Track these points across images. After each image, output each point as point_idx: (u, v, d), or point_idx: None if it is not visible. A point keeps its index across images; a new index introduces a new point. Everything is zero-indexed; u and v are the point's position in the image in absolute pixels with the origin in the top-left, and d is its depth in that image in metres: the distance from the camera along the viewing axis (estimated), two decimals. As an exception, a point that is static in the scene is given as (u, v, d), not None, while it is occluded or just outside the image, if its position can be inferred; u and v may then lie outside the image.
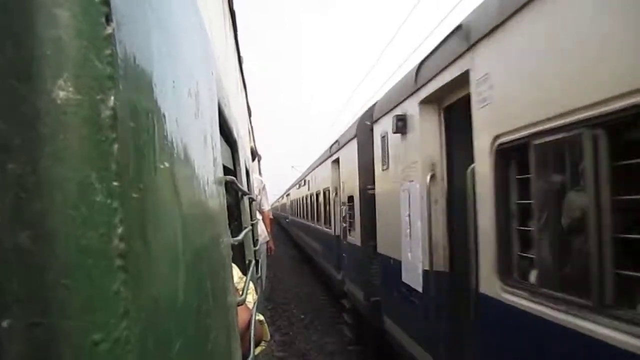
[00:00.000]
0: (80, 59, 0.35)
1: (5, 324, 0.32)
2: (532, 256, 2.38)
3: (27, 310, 0.32)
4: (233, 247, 1.36)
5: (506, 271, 2.58)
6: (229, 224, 1.28)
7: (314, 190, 12.74)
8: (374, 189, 5.84)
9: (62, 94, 0.34)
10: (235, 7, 2.83)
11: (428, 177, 3.75)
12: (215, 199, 0.93)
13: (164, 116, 0.51)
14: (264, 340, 1.86)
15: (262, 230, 6.43)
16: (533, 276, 2.36)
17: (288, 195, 26.08)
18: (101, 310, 0.34)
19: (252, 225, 2.57)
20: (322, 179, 10.68)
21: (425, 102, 3.89)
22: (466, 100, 3.06)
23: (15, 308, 0.32)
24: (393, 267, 4.87)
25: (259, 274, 3.06)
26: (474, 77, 2.90)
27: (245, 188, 2.32)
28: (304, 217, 16.04)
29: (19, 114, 0.33)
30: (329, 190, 9.63)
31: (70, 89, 0.34)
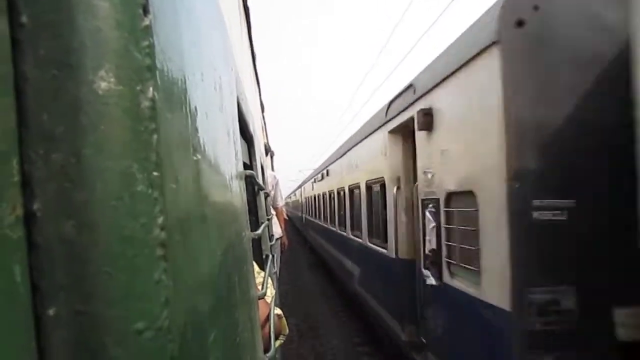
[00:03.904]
0: (120, 50, 0.34)
1: (51, 312, 0.32)
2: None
3: (71, 298, 0.33)
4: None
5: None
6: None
7: (300, 197, 28.37)
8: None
9: (103, 84, 0.34)
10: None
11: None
12: (238, 193, 0.93)
13: (195, 108, 0.51)
14: (283, 334, 1.86)
15: (276, 226, 6.44)
16: (320, 215, 15.12)
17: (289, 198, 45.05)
18: (143, 299, 0.34)
19: (268, 220, 2.57)
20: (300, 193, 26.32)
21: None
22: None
23: (61, 296, 0.33)
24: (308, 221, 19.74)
25: (275, 269, 3.07)
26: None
27: (261, 183, 2.33)
28: (297, 209, 31.34)
29: (61, 105, 0.33)
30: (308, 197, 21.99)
31: (112, 79, 0.34)
